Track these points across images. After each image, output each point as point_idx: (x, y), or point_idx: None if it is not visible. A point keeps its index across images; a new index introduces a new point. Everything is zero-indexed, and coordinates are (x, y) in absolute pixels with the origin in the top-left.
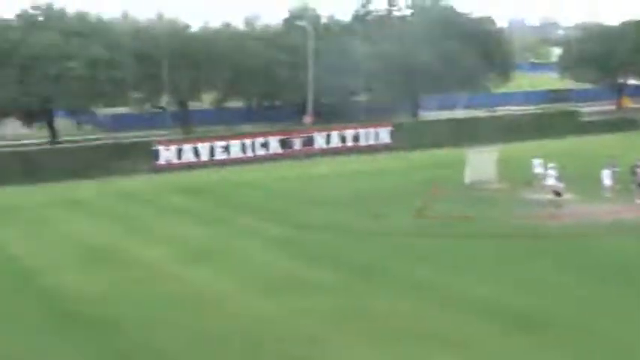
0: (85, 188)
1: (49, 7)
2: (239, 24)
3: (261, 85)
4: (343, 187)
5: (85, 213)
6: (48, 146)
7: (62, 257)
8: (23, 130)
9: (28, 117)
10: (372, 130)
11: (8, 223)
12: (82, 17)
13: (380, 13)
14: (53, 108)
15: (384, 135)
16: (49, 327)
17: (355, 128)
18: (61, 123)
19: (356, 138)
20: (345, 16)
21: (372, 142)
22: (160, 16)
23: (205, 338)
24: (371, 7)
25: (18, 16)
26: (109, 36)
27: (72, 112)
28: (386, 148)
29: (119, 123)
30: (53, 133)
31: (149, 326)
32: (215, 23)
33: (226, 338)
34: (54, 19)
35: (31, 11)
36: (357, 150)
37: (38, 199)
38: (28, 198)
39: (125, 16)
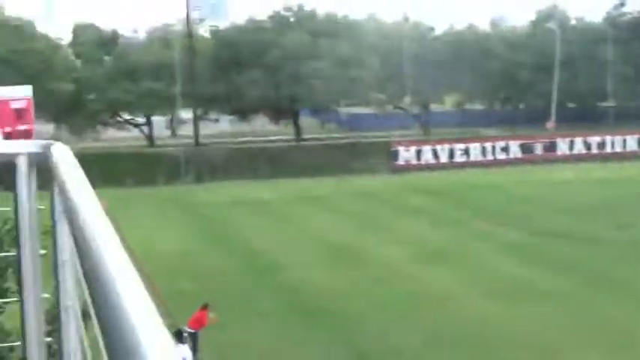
0: (326, 185)
1: (300, 9)
2: (484, 26)
3: (504, 88)
4: (587, 194)
5: (324, 210)
6: (293, 143)
7: (304, 253)
8: (270, 127)
9: (276, 114)
10: (619, 138)
11: (254, 218)
12: (330, 18)
13: (635, 15)
14: (300, 107)
15: (632, 143)
16: (293, 321)
17: (601, 135)
18: (305, 121)
19: (601, 145)
20: (596, 17)
21: (618, 149)
22: (406, 19)
23: (440, 339)
24: (625, 8)
25: (270, 17)
26: (356, 37)
27: (315, 111)
28: (635, 156)
29: (359, 122)
30: (298, 130)
31: (387, 324)
32: (460, 25)
33: (460, 341)
34: (304, 19)
35: (283, 12)
36: (602, 157)
37: (282, 194)
38: (272, 193)
39: (371, 17)
